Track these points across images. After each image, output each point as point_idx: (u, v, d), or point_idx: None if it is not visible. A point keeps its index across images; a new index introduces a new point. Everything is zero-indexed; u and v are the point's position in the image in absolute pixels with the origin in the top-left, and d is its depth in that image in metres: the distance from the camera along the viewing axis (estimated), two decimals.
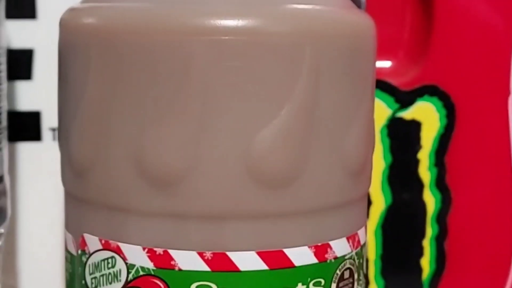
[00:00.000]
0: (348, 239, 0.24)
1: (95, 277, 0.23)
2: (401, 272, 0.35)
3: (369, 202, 0.35)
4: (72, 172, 0.24)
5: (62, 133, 0.25)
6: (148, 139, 0.22)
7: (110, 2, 0.23)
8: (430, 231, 0.35)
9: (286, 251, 0.23)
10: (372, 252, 0.35)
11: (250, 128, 0.22)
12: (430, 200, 0.35)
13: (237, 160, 0.22)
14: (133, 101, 0.22)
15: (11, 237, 0.34)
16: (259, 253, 0.23)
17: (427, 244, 0.35)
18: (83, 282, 0.24)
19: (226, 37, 0.22)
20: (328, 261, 0.23)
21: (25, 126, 0.34)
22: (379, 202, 0.35)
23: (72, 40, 0.24)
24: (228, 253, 0.22)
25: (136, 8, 0.22)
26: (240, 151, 0.22)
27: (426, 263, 0.35)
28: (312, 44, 0.22)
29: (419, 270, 0.35)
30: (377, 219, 0.35)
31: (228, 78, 0.22)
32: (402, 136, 0.34)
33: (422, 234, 0.35)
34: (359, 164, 0.24)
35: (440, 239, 0.35)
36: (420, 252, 0.35)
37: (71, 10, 0.24)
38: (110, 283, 0.23)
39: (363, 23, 0.24)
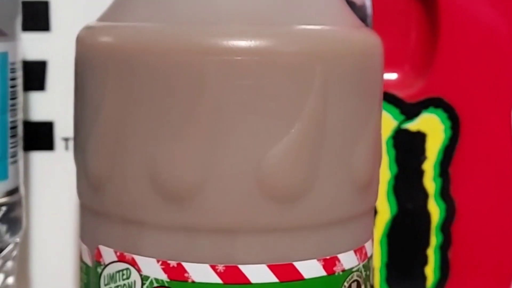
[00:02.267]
0: (355, 252, 0.25)
1: None
2: (406, 280, 0.36)
3: (375, 212, 0.35)
4: (88, 185, 0.25)
5: (78, 147, 0.25)
6: (162, 155, 0.23)
7: (126, 21, 0.24)
8: (434, 240, 0.36)
9: (295, 264, 0.23)
10: (378, 260, 0.36)
11: (261, 145, 0.23)
12: (435, 209, 0.35)
13: (248, 176, 0.23)
14: (148, 118, 0.23)
15: (24, 245, 0.35)
16: (269, 266, 0.23)
17: (432, 253, 0.36)
18: None
19: (239, 57, 0.22)
20: (336, 273, 0.24)
21: (39, 136, 0.35)
22: (385, 212, 0.35)
23: (89, 57, 0.24)
24: (240, 266, 0.23)
25: (151, 28, 0.23)
26: (251, 167, 0.23)
27: (430, 272, 0.36)
28: (321, 63, 0.23)
29: (424, 278, 0.36)
30: (383, 228, 0.36)
31: (240, 96, 0.22)
32: (408, 147, 0.35)
33: (427, 243, 0.36)
34: (367, 179, 0.25)
35: (444, 248, 0.36)
36: (424, 261, 0.36)
37: (88, 28, 0.25)
38: None
39: (371, 41, 0.25)
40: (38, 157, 0.35)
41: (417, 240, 0.36)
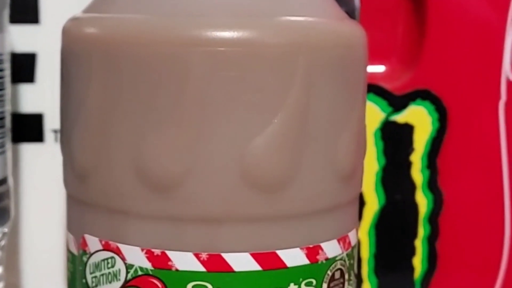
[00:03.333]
0: (339, 241, 0.25)
1: (95, 276, 0.24)
2: (393, 271, 0.36)
3: (363, 203, 0.36)
4: (74, 175, 0.25)
5: (64, 138, 0.25)
6: (147, 145, 0.23)
7: (111, 12, 0.24)
8: (422, 231, 0.36)
9: (278, 252, 0.24)
10: (366, 251, 0.36)
11: (245, 135, 0.23)
12: (422, 201, 0.36)
13: (232, 165, 0.23)
14: (132, 108, 0.23)
15: (13, 236, 0.35)
16: (252, 255, 0.23)
17: (419, 244, 0.36)
18: (84, 281, 0.25)
19: (223, 48, 0.23)
20: (319, 262, 0.24)
21: (28, 128, 0.35)
22: (373, 203, 0.36)
23: (74, 49, 0.24)
24: (223, 254, 0.23)
25: (136, 19, 0.23)
26: (235, 157, 0.23)
27: (418, 263, 0.36)
28: (304, 55, 0.23)
29: (411, 269, 0.36)
30: (371, 219, 0.36)
31: (224, 87, 0.23)
32: (395, 139, 0.35)
33: (414, 234, 0.36)
34: (350, 169, 0.25)
35: (431, 239, 0.36)
36: (412, 252, 0.36)
37: (74, 20, 0.25)
38: (110, 282, 0.24)
39: (354, 33, 0.25)
40: (27, 149, 0.35)
41: (405, 231, 0.36)
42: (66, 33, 0.25)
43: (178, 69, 0.23)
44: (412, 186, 0.36)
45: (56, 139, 0.35)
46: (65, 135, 0.25)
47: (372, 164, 0.35)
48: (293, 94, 0.23)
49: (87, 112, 0.24)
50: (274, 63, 0.23)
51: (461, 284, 0.36)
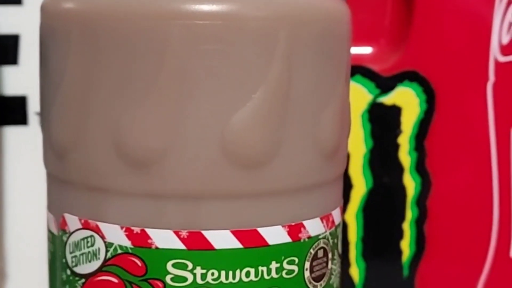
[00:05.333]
0: (322, 219, 0.25)
1: (75, 256, 0.24)
2: (381, 254, 0.36)
3: (351, 186, 0.35)
4: (53, 153, 0.25)
5: (44, 116, 0.25)
6: (126, 121, 0.23)
7: None
8: (410, 214, 0.36)
9: (260, 230, 0.23)
10: (353, 234, 0.36)
11: (225, 110, 0.23)
12: (410, 183, 0.35)
13: (212, 141, 0.23)
14: (111, 84, 0.23)
15: None
16: (233, 232, 0.23)
17: (407, 227, 0.36)
18: (64, 260, 0.24)
19: (202, 22, 0.22)
20: (301, 240, 0.24)
21: (12, 111, 0.35)
22: (360, 186, 0.35)
23: (52, 25, 0.24)
24: (204, 232, 0.23)
25: None
26: (215, 132, 0.23)
27: (406, 246, 0.36)
28: (285, 29, 0.23)
29: (399, 252, 0.36)
30: (358, 202, 0.35)
31: (203, 61, 0.22)
32: (383, 121, 0.35)
33: (402, 217, 0.36)
34: (333, 146, 0.25)
35: (419, 222, 0.36)
36: (400, 235, 0.36)
37: None
38: (90, 261, 0.24)
39: (336, 8, 0.25)
40: (11, 132, 0.35)
41: (393, 214, 0.36)
42: (44, 9, 0.25)
43: (156, 43, 0.22)
44: (399, 169, 0.35)
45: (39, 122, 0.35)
46: (44, 114, 0.25)
47: (359, 147, 0.35)
48: (274, 68, 0.23)
49: (66, 88, 0.24)
50: (254, 37, 0.23)
51: (450, 266, 0.36)
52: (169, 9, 0.22)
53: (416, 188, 0.35)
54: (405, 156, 0.35)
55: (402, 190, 0.35)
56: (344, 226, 0.35)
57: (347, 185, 0.35)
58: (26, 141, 0.35)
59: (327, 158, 0.25)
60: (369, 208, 0.35)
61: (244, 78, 0.23)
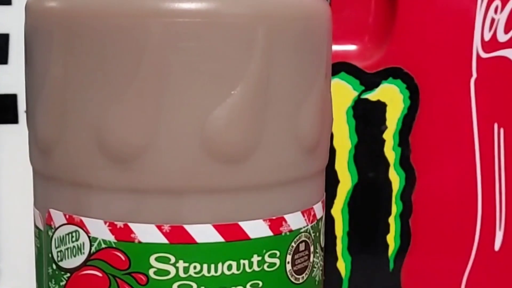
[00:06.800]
0: (303, 213, 0.25)
1: (60, 251, 0.25)
2: (367, 248, 0.36)
3: (336, 181, 0.36)
4: (38, 150, 0.25)
5: (29, 113, 0.26)
6: (108, 117, 0.23)
7: None
8: (395, 208, 0.36)
9: (241, 224, 0.24)
10: (339, 229, 0.36)
11: (205, 106, 0.23)
12: (395, 178, 0.36)
13: (193, 136, 0.23)
14: (92, 81, 0.23)
15: None
16: (215, 226, 0.24)
17: (393, 221, 0.36)
18: (50, 255, 0.25)
19: (181, 19, 0.23)
20: (283, 234, 0.25)
21: (2, 109, 0.35)
22: (346, 181, 0.36)
23: (35, 24, 0.25)
24: (185, 226, 0.23)
25: None
26: (196, 128, 0.23)
27: (392, 240, 0.36)
28: (264, 25, 0.23)
29: (385, 246, 0.36)
30: (344, 197, 0.36)
31: (183, 58, 0.23)
32: (368, 117, 0.36)
33: (388, 212, 0.36)
34: (313, 141, 0.25)
35: (404, 217, 0.36)
36: (386, 229, 0.36)
37: None
38: (75, 256, 0.24)
39: (316, 5, 0.25)
40: (2, 130, 0.35)
41: (378, 209, 0.36)
42: (29, 8, 0.25)
43: (136, 41, 0.23)
44: (384, 164, 0.36)
45: None
46: (29, 111, 0.26)
47: (345, 142, 0.36)
48: (253, 64, 0.23)
49: (49, 86, 0.24)
50: (233, 33, 0.23)
51: (435, 260, 0.36)
52: (148, 7, 0.23)
53: (401, 183, 0.36)
54: (390, 152, 0.36)
55: (387, 185, 0.36)
56: (331, 220, 0.36)
57: (333, 181, 0.36)
58: (17, 139, 0.35)
59: (307, 152, 0.25)
60: (354, 202, 0.36)
61: (224, 74, 0.23)
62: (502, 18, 0.35)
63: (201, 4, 0.23)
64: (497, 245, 0.37)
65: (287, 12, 0.24)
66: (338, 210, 0.36)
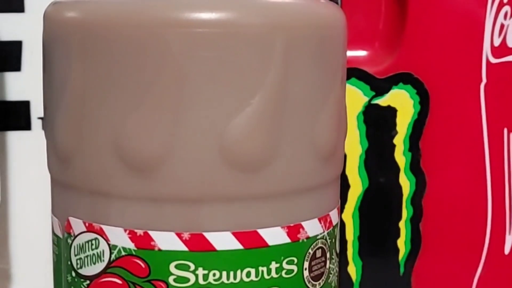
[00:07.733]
0: (320, 220, 0.25)
1: (80, 258, 0.25)
2: (378, 252, 0.37)
3: (347, 186, 0.36)
4: (57, 159, 0.25)
5: (48, 122, 0.26)
6: (127, 127, 0.23)
7: None
8: (405, 213, 0.36)
9: (260, 231, 0.24)
10: (350, 233, 0.36)
11: (224, 115, 0.23)
12: (405, 183, 0.36)
13: (212, 145, 0.23)
14: (112, 90, 0.23)
15: (3, 223, 0.35)
16: (234, 234, 0.24)
17: (403, 225, 0.36)
18: (69, 263, 0.25)
19: (201, 30, 0.23)
20: (300, 240, 0.25)
21: (15, 116, 0.35)
22: (357, 186, 0.36)
23: (55, 33, 0.25)
24: (205, 234, 0.24)
25: (115, 2, 0.24)
26: (215, 137, 0.23)
27: (402, 244, 0.36)
28: (282, 35, 0.24)
29: (396, 250, 0.36)
30: (355, 202, 0.36)
31: (202, 68, 0.23)
32: (378, 122, 0.36)
33: (398, 216, 0.36)
34: (330, 149, 0.25)
35: (415, 221, 0.36)
36: (396, 234, 0.36)
37: (54, 4, 0.25)
38: (94, 263, 0.24)
39: (332, 14, 0.25)
40: (15, 137, 0.36)
41: (389, 214, 0.36)
42: (47, 18, 0.25)
43: (155, 50, 0.23)
44: (395, 169, 0.36)
45: (43, 127, 0.35)
46: (48, 120, 0.26)
47: (355, 148, 0.36)
48: (271, 74, 0.23)
49: (68, 95, 0.24)
50: (252, 43, 0.23)
51: (445, 264, 0.37)
52: (168, 17, 0.23)
53: (411, 187, 0.36)
54: (400, 157, 0.36)
55: (398, 189, 0.36)
56: (342, 225, 0.36)
57: (344, 185, 0.36)
58: (29, 145, 0.36)
59: (324, 160, 0.25)
60: (365, 207, 0.36)
61: (242, 84, 0.23)
62: (511, 23, 0.36)
63: (220, 15, 0.23)
64: (507, 249, 0.37)
65: (305, 21, 0.24)
66: (349, 214, 0.36)
